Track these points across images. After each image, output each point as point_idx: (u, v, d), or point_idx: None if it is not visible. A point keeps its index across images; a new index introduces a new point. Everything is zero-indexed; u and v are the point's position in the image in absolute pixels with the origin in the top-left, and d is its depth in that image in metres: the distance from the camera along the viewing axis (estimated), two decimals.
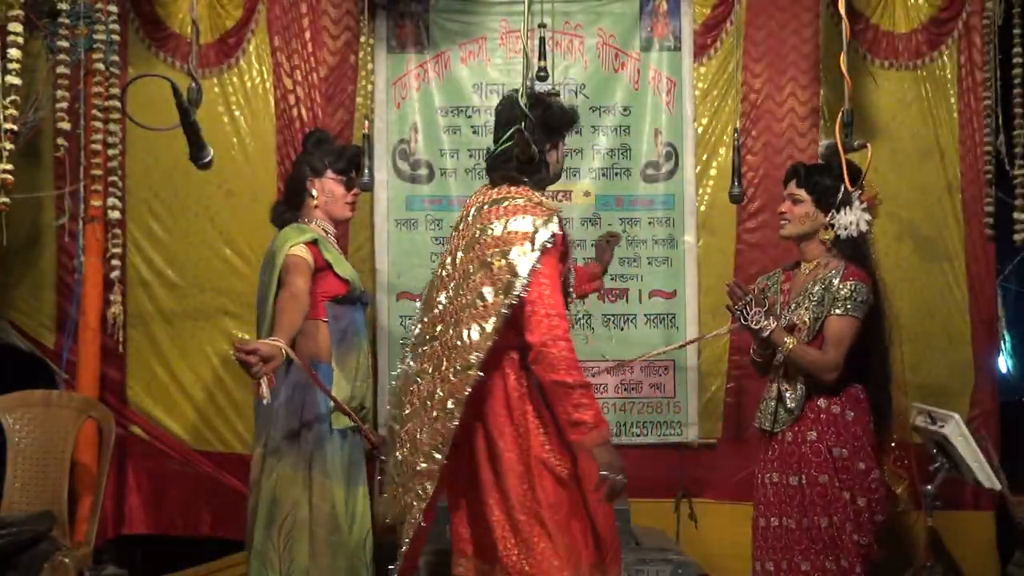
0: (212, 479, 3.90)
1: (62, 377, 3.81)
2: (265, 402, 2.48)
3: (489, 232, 2.35)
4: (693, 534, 3.80)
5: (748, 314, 2.70)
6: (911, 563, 3.35)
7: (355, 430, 2.88)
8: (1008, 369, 4.32)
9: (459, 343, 2.31)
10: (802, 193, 2.81)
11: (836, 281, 2.71)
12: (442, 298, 2.45)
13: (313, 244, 2.86)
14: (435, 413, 2.34)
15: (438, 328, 2.43)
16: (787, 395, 2.77)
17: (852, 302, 2.68)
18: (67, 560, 3.02)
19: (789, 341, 2.69)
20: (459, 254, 2.45)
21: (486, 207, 2.42)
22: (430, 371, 2.41)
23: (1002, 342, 4.10)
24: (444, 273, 2.49)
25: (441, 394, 2.33)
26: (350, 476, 2.86)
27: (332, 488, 2.79)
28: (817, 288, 2.75)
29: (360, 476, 2.91)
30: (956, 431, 2.94)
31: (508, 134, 2.40)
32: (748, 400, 3.88)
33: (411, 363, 2.49)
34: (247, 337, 3.92)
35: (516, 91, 2.52)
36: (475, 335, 2.28)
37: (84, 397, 3.49)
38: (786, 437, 2.77)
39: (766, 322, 2.70)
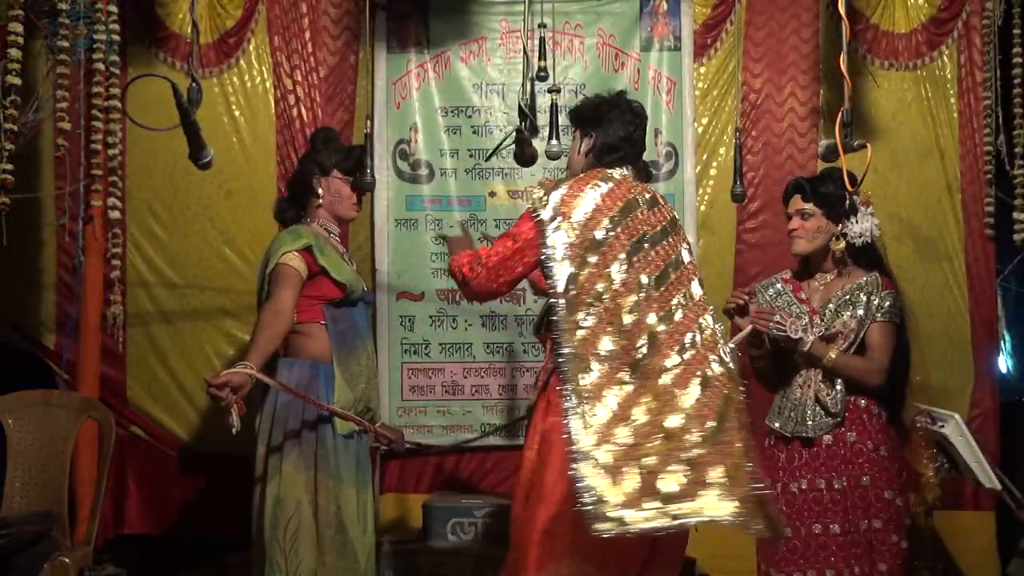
0: (212, 479, 3.91)
1: (62, 377, 3.82)
2: (234, 431, 2.50)
3: (678, 225, 2.46)
4: (693, 534, 3.78)
5: (786, 327, 2.67)
6: (911, 563, 3.34)
7: (361, 432, 2.87)
8: (1008, 369, 4.32)
9: (706, 327, 2.33)
10: (811, 207, 2.77)
11: (878, 291, 2.73)
12: (652, 281, 2.34)
13: (307, 251, 2.82)
14: (726, 391, 2.26)
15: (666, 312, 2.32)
16: (827, 399, 2.70)
17: (894, 308, 2.72)
18: (67, 560, 3.01)
19: (831, 352, 2.67)
20: (653, 239, 2.37)
21: (660, 202, 2.46)
22: (674, 354, 2.27)
23: (1002, 342, 4.10)
24: (641, 258, 2.34)
25: (721, 371, 2.29)
26: (356, 477, 2.85)
27: (337, 488, 2.78)
28: (861, 297, 2.73)
29: (366, 477, 2.90)
30: (956, 431, 2.94)
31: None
32: (749, 400, 3.87)
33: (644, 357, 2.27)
34: (247, 337, 3.93)
35: (620, 93, 2.57)
36: (711, 321, 2.35)
37: (84, 397, 3.48)
38: (823, 441, 2.70)
39: (805, 335, 2.68)
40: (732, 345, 2.58)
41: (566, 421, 2.20)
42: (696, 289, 2.38)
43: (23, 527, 2.99)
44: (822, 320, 2.76)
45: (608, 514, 2.11)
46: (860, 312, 2.72)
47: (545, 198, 2.35)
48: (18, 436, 3.30)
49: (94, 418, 3.39)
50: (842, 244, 2.75)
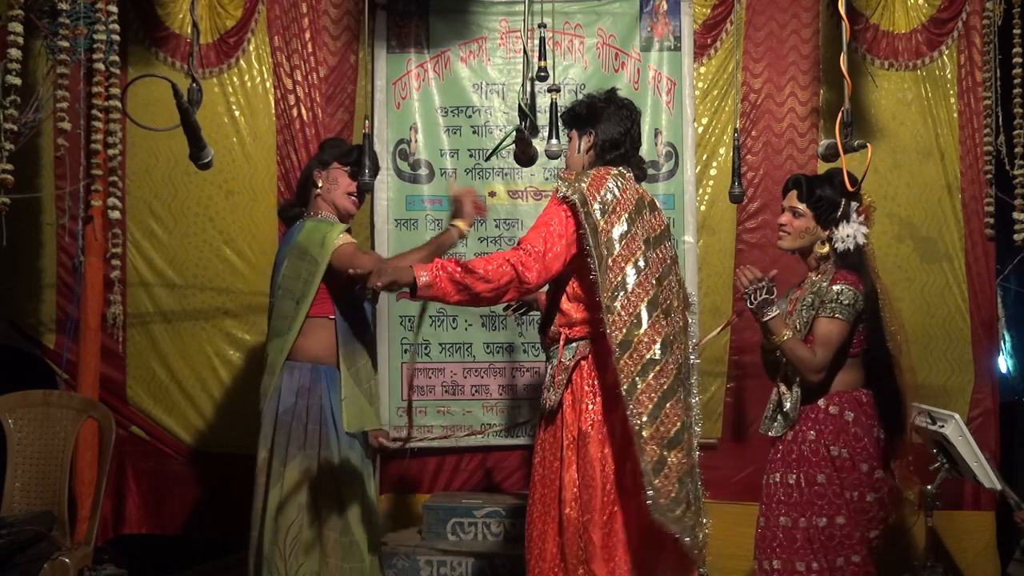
0: (212, 479, 3.91)
1: (62, 377, 3.82)
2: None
3: (670, 231, 2.67)
4: None
5: (756, 298, 2.70)
6: (911, 563, 3.34)
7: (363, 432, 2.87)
8: (1008, 369, 4.32)
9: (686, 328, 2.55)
10: (803, 207, 2.80)
11: (824, 285, 2.73)
12: (672, 281, 2.55)
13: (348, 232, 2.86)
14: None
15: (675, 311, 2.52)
16: (784, 399, 2.77)
17: (838, 304, 2.69)
18: (67, 560, 3.02)
19: (786, 333, 2.70)
20: (662, 242, 2.55)
21: (657, 206, 2.62)
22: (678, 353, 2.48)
23: (1002, 342, 4.09)
24: (656, 256, 2.50)
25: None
26: (359, 478, 2.84)
27: (340, 490, 2.78)
28: (809, 295, 2.76)
29: (369, 477, 2.90)
30: (956, 431, 2.94)
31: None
32: (748, 400, 3.88)
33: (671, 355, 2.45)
34: (247, 337, 3.94)
35: (612, 91, 2.66)
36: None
37: (84, 397, 3.49)
38: (787, 437, 2.77)
39: (767, 309, 2.70)
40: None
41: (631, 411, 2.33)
42: (685, 293, 2.60)
43: (23, 527, 2.98)
44: (788, 319, 2.80)
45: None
46: (805, 307, 2.75)
47: (575, 185, 2.42)
48: (18, 436, 3.31)
49: (94, 418, 3.39)
50: (826, 249, 2.79)
